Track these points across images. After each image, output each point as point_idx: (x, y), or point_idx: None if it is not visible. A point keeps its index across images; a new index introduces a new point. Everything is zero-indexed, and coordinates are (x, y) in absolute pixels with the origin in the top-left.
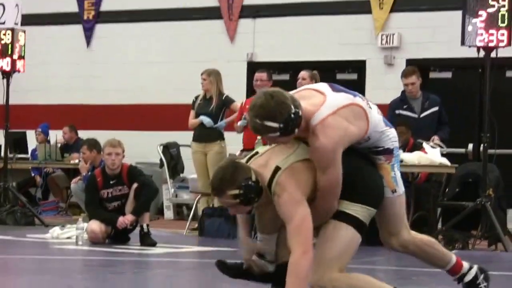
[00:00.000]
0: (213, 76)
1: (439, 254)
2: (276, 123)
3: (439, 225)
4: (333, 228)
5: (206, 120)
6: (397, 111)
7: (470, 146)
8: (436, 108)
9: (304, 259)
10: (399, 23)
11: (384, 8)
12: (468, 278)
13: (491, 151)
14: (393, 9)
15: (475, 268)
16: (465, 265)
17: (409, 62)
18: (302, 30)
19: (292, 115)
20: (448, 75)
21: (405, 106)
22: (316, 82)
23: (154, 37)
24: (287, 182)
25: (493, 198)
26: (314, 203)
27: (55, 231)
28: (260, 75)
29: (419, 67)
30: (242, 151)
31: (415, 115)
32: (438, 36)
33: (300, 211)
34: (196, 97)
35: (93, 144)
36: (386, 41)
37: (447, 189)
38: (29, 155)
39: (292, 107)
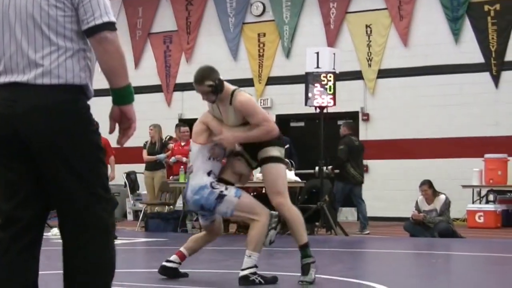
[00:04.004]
0: (156, 128)
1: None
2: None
3: None
4: (275, 168)
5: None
6: None
7: (317, 168)
8: (287, 145)
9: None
10: (271, 92)
11: (261, 82)
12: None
13: (325, 170)
14: (267, 83)
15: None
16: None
17: (278, 116)
18: None
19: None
20: (302, 124)
21: None
22: None
23: None
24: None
25: (327, 202)
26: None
27: (55, 230)
28: (185, 128)
29: (284, 119)
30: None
31: None
32: (294, 99)
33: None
34: (146, 142)
35: None
36: (263, 104)
37: (299, 196)
38: None
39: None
